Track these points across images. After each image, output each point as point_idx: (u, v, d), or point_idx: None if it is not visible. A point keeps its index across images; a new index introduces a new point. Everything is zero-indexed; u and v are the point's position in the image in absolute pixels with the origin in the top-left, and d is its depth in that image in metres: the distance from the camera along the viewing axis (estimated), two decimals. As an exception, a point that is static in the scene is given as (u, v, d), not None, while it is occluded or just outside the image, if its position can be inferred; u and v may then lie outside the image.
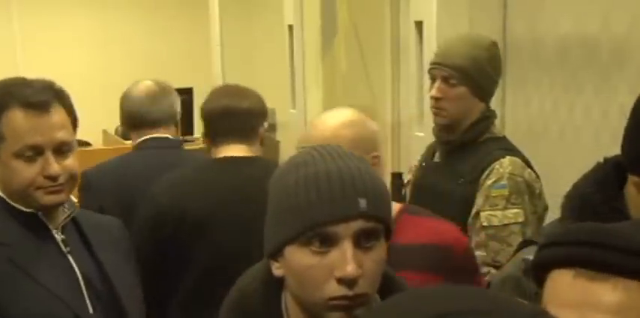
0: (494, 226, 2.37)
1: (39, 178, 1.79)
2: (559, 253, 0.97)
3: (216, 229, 2.36)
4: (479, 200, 2.40)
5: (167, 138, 2.82)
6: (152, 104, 2.81)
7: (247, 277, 1.44)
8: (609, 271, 0.93)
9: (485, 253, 2.37)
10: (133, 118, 2.84)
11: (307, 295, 1.28)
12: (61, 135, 1.81)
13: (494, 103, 2.61)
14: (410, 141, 4.27)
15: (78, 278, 1.86)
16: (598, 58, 2.90)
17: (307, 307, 1.30)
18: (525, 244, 1.68)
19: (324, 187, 1.24)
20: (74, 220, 1.91)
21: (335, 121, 1.85)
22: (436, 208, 2.42)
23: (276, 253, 1.30)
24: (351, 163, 1.28)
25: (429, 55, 3.19)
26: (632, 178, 1.48)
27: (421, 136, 3.32)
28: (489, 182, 2.40)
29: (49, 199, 1.81)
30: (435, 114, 2.54)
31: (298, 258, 1.26)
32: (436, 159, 2.63)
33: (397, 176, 3.26)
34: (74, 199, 1.93)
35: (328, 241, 1.24)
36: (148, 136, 2.81)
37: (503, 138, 2.56)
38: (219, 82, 5.12)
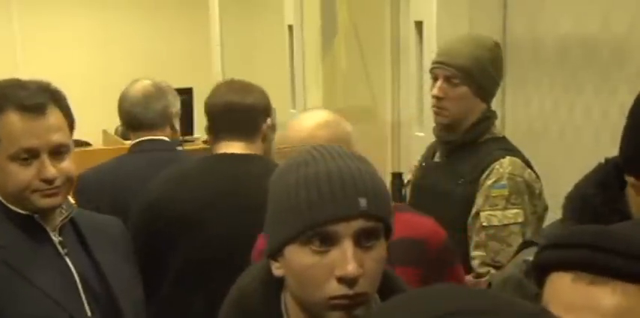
0: (494, 226, 2.37)
1: (35, 181, 1.78)
2: (558, 256, 0.97)
3: (205, 225, 2.36)
4: (479, 200, 2.40)
5: (162, 140, 2.83)
6: (146, 106, 2.82)
7: (247, 276, 1.44)
8: (608, 275, 0.92)
9: (485, 253, 2.38)
10: (130, 119, 2.86)
11: (307, 295, 1.28)
12: (57, 137, 1.80)
13: (494, 104, 2.61)
14: (410, 141, 4.27)
15: (75, 280, 1.84)
16: (598, 58, 2.90)
17: (307, 307, 1.30)
18: (526, 244, 1.68)
19: (325, 187, 1.24)
20: (72, 221, 1.90)
21: (311, 122, 1.86)
22: (436, 208, 2.42)
23: (276, 253, 1.30)
24: (351, 163, 1.28)
25: (429, 55, 3.19)
26: (628, 179, 1.48)
27: (421, 136, 3.32)
28: (489, 182, 2.40)
29: (45, 202, 1.80)
30: (436, 113, 2.53)
31: (298, 257, 1.26)
32: (436, 159, 2.63)
33: (397, 176, 3.26)
34: (71, 200, 1.91)
35: (328, 241, 1.24)
36: (142, 138, 2.83)
37: (504, 138, 2.56)
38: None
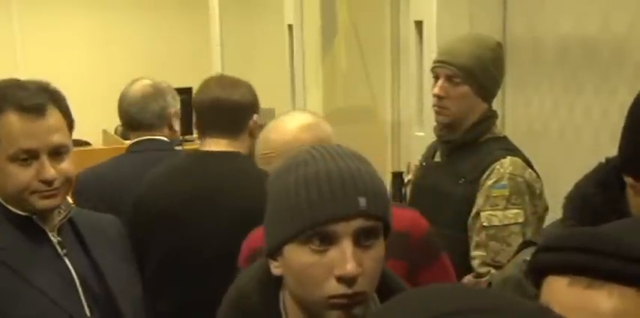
0: (495, 226, 2.37)
1: (34, 182, 1.77)
2: (554, 260, 0.97)
3: (183, 221, 2.41)
4: (479, 200, 2.40)
5: (160, 140, 2.85)
6: (144, 106, 2.84)
7: (245, 276, 1.44)
8: (605, 278, 0.92)
9: (485, 253, 2.37)
10: (129, 119, 2.89)
11: (306, 294, 1.28)
12: (57, 138, 1.79)
13: (494, 103, 2.61)
14: (410, 141, 4.27)
15: (74, 280, 1.84)
16: (598, 58, 2.90)
17: (306, 306, 1.30)
18: (526, 244, 1.68)
19: (325, 187, 1.24)
20: (70, 221, 1.90)
21: (294, 124, 1.86)
22: (436, 207, 2.43)
23: (275, 252, 1.31)
24: (351, 163, 1.28)
25: (429, 55, 3.19)
26: (627, 180, 1.48)
27: (421, 135, 3.31)
28: (490, 182, 2.39)
29: (43, 203, 1.79)
30: (437, 113, 2.53)
31: (298, 256, 1.26)
32: (437, 158, 2.63)
33: (397, 176, 3.26)
34: (70, 199, 1.91)
35: (328, 240, 1.24)
36: (140, 138, 2.86)
37: (504, 138, 2.56)
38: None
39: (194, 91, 2.68)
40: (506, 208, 2.37)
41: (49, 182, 1.77)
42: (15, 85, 1.82)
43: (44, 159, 1.77)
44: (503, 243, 2.36)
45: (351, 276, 1.23)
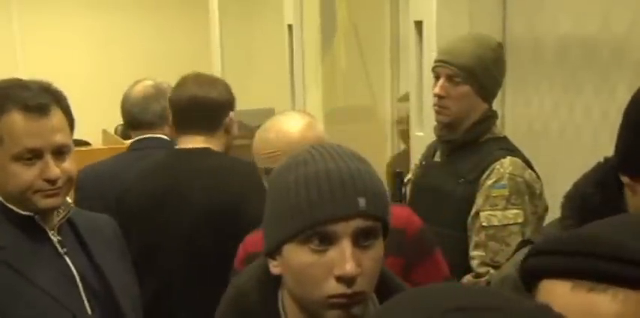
0: (494, 226, 2.37)
1: (38, 181, 1.78)
2: (549, 264, 0.96)
3: (153, 217, 2.49)
4: (479, 200, 2.40)
5: (159, 138, 2.91)
6: (146, 106, 2.91)
7: (245, 274, 1.44)
8: (607, 282, 0.92)
9: (484, 253, 2.37)
10: (131, 119, 2.96)
11: (306, 293, 1.28)
12: (60, 138, 1.80)
13: (494, 103, 2.61)
14: (410, 141, 4.26)
15: (75, 279, 1.85)
16: (598, 58, 2.90)
17: (305, 305, 1.31)
18: (524, 244, 1.68)
19: (325, 187, 1.24)
20: (69, 221, 1.91)
21: (296, 123, 1.87)
22: (436, 207, 2.43)
23: (274, 252, 1.31)
24: (350, 163, 1.28)
25: (428, 55, 3.19)
26: (623, 179, 1.48)
27: (421, 135, 3.31)
28: (490, 182, 2.40)
29: (46, 202, 1.80)
30: (437, 112, 2.53)
31: (297, 256, 1.26)
32: (437, 158, 2.63)
33: (397, 175, 3.26)
34: (69, 199, 1.92)
35: (327, 240, 1.25)
36: (140, 137, 2.93)
37: (504, 138, 2.56)
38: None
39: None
40: (505, 208, 2.37)
41: (52, 181, 1.78)
42: (18, 84, 1.83)
43: (48, 158, 1.78)
44: (502, 243, 2.36)
45: (350, 276, 1.23)
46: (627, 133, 1.49)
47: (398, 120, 3.95)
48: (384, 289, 1.32)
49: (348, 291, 1.24)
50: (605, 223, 1.01)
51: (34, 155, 1.78)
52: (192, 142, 2.51)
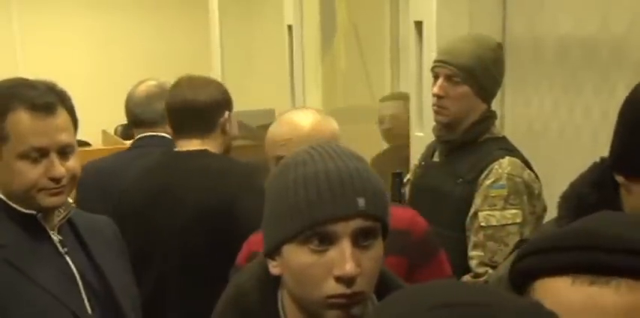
0: (493, 226, 2.37)
1: (42, 180, 1.79)
2: (547, 261, 0.96)
3: (147, 217, 2.51)
4: (477, 200, 2.40)
5: (160, 136, 2.94)
6: (147, 105, 2.96)
7: (245, 274, 1.44)
8: (607, 274, 0.92)
9: (482, 253, 2.37)
10: (133, 117, 3.01)
11: (305, 293, 1.28)
12: (65, 137, 1.81)
13: (493, 103, 2.61)
14: (409, 141, 4.26)
15: (76, 278, 1.86)
16: (597, 58, 2.90)
17: (304, 305, 1.31)
18: (522, 243, 1.68)
19: (324, 187, 1.25)
20: (69, 221, 1.92)
21: (312, 117, 1.89)
22: (435, 207, 2.43)
23: (274, 252, 1.31)
24: (350, 163, 1.28)
25: (428, 55, 3.19)
26: (618, 178, 1.48)
27: (421, 136, 3.31)
28: (488, 182, 2.39)
29: (50, 201, 1.81)
30: (436, 112, 2.53)
31: (297, 256, 1.26)
32: (435, 158, 2.63)
33: (397, 175, 3.26)
34: (70, 199, 1.93)
35: (327, 240, 1.25)
36: (142, 135, 2.98)
37: (503, 138, 2.56)
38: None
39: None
40: (504, 208, 2.37)
41: (57, 180, 1.79)
42: (24, 84, 1.84)
43: (54, 157, 1.79)
44: (500, 243, 2.36)
45: (349, 276, 1.23)
46: (622, 133, 1.49)
47: (380, 119, 3.96)
48: (383, 289, 1.32)
49: (348, 291, 1.24)
50: (597, 218, 1.01)
51: (39, 154, 1.78)
52: (189, 145, 2.53)
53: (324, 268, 1.24)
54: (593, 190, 1.52)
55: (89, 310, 1.85)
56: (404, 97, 4.01)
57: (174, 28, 7.78)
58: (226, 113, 2.56)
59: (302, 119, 1.88)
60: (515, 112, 3.42)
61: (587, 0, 2.98)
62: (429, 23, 3.32)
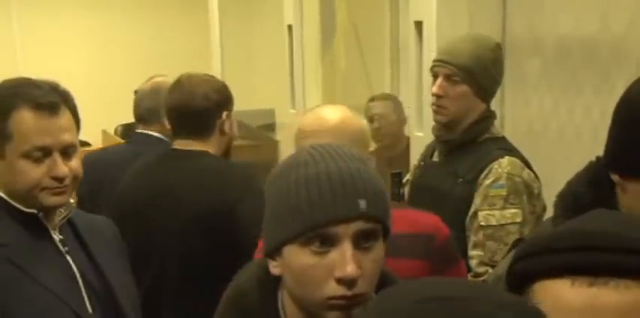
0: (492, 225, 2.37)
1: (45, 179, 1.79)
2: (544, 263, 0.95)
3: (144, 217, 2.52)
4: (477, 200, 2.40)
5: (147, 134, 3.03)
6: (141, 102, 3.06)
7: (245, 273, 1.44)
8: (606, 274, 0.92)
9: (482, 253, 2.38)
10: (134, 113, 3.10)
11: (306, 295, 1.28)
12: (68, 137, 1.81)
13: (493, 103, 2.61)
14: (409, 141, 4.26)
15: (76, 278, 1.86)
16: (597, 58, 2.90)
17: (305, 306, 1.31)
18: (519, 242, 1.68)
19: (325, 188, 1.24)
20: (70, 221, 1.92)
21: (341, 112, 1.87)
22: (434, 207, 2.42)
23: (274, 252, 1.31)
24: (351, 164, 1.28)
25: (428, 55, 3.19)
26: (613, 177, 1.49)
27: (420, 135, 3.32)
28: (488, 182, 2.40)
29: (53, 200, 1.81)
30: (435, 112, 2.53)
31: (298, 258, 1.26)
32: (435, 158, 2.63)
33: (396, 175, 3.26)
34: (71, 200, 1.93)
35: (328, 242, 1.25)
36: (137, 131, 3.08)
37: (503, 138, 2.56)
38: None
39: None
40: (503, 208, 2.37)
41: (60, 179, 1.79)
42: (28, 83, 1.84)
43: (57, 156, 1.79)
44: (500, 243, 2.36)
45: (350, 278, 1.23)
46: (617, 132, 1.50)
47: (368, 119, 3.97)
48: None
49: (349, 293, 1.24)
50: (591, 218, 1.01)
51: (43, 153, 1.79)
52: (186, 145, 2.54)
53: (325, 270, 1.24)
54: (589, 189, 1.52)
55: (90, 310, 1.86)
56: (392, 98, 4.03)
57: (174, 28, 7.78)
58: (224, 114, 2.54)
59: (331, 113, 1.87)
60: (514, 112, 3.42)
61: (586, 0, 2.98)
62: (429, 23, 3.33)
